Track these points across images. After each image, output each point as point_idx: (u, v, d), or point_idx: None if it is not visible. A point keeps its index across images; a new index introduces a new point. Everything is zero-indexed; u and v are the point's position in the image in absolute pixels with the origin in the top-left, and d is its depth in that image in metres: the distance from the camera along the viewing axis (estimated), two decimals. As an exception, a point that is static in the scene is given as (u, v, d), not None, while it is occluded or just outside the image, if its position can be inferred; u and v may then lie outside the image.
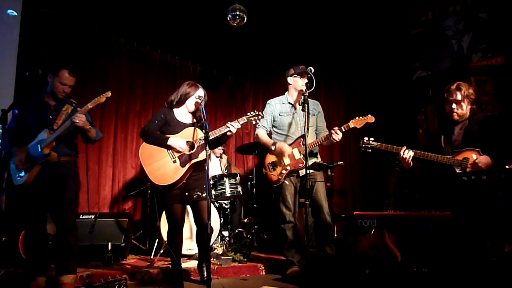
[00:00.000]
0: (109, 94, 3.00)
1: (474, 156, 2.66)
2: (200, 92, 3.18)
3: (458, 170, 2.69)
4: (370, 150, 3.00)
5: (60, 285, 2.83)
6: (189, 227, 4.02)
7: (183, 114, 3.21)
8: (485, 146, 2.65)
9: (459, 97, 2.77)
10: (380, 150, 3.01)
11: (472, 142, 2.70)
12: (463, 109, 2.80)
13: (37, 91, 3.07)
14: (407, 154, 2.83)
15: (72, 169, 3.03)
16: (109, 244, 3.72)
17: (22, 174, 2.84)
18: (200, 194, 3.06)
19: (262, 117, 3.10)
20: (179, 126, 3.13)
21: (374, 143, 2.99)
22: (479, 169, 2.59)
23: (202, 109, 3.02)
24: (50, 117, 2.96)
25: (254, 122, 3.14)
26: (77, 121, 2.83)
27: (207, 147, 2.83)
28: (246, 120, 3.10)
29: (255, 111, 3.14)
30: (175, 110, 3.20)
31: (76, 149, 3.10)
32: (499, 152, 2.59)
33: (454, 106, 2.81)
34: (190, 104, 3.16)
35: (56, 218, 2.94)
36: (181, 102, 3.18)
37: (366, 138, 3.01)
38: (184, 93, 3.17)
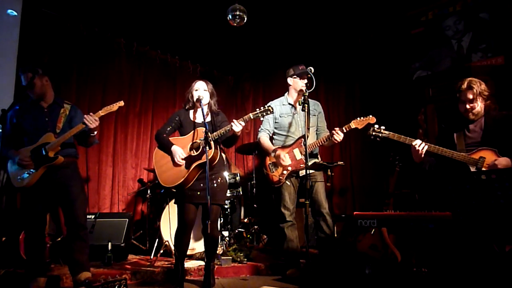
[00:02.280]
0: (122, 103, 3.04)
1: (492, 156, 2.59)
2: (198, 84, 3.19)
3: (473, 169, 2.62)
4: (379, 139, 2.88)
5: (79, 284, 2.82)
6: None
7: (196, 113, 3.25)
8: (502, 145, 2.58)
9: (471, 96, 2.69)
10: (385, 145, 2.94)
11: (490, 141, 2.64)
12: (477, 108, 2.71)
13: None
14: (421, 147, 2.72)
15: (75, 170, 3.06)
16: (109, 244, 3.72)
17: (24, 176, 2.83)
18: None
19: (272, 112, 2.96)
20: (190, 126, 3.17)
21: (386, 132, 2.85)
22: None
23: (202, 109, 3.05)
24: (46, 119, 2.97)
25: (262, 119, 3.09)
26: (91, 123, 2.84)
27: (207, 147, 2.84)
28: (252, 117, 2.95)
29: (265, 106, 2.96)
30: (190, 111, 3.26)
31: (76, 150, 3.12)
32: None
33: (468, 106, 2.73)
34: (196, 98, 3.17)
35: (67, 218, 2.94)
36: (189, 101, 3.22)
37: (376, 126, 2.89)
38: (189, 92, 3.22)
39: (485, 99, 2.71)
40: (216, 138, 2.99)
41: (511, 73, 3.77)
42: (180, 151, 3.05)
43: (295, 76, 3.54)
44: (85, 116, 2.85)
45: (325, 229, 3.41)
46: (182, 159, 3.03)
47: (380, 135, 2.87)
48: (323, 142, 3.39)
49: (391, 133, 2.86)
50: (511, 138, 2.58)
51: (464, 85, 2.72)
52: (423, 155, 2.75)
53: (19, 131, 2.94)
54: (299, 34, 5.34)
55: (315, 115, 3.62)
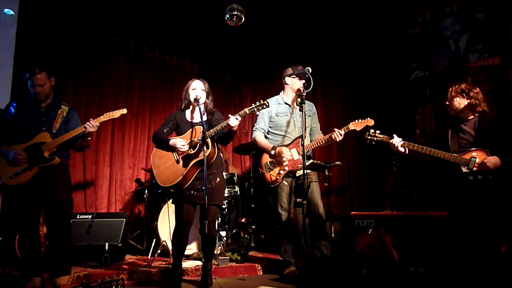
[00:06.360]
0: (124, 111, 3.10)
1: (483, 156, 2.65)
2: (196, 83, 3.17)
3: (464, 169, 2.69)
4: (375, 143, 3.00)
5: (57, 287, 2.84)
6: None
7: (193, 113, 3.23)
8: (494, 146, 2.65)
9: (448, 95, 2.94)
10: (382, 146, 3.02)
11: (482, 142, 2.71)
12: (455, 104, 2.88)
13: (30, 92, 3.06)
14: (395, 141, 2.90)
15: (66, 172, 3.06)
16: (106, 244, 3.71)
17: (17, 174, 2.81)
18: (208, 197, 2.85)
19: (267, 106, 2.94)
20: (187, 126, 3.16)
21: (380, 136, 2.98)
22: (487, 169, 2.58)
23: (200, 108, 3.03)
24: (43, 118, 2.97)
25: (258, 113, 3.08)
26: (91, 127, 2.88)
27: (205, 147, 2.84)
28: (247, 112, 2.94)
29: (261, 101, 2.95)
30: (186, 111, 3.25)
31: (68, 152, 3.12)
32: (508, 152, 2.58)
33: (446, 103, 2.96)
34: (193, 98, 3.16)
35: (51, 221, 2.95)
36: (185, 100, 3.20)
37: (372, 131, 3.01)
38: (185, 91, 3.20)
39: (466, 96, 2.85)
40: (213, 135, 2.98)
41: (508, 74, 3.79)
42: (179, 140, 3.05)
43: (293, 76, 3.54)
44: (87, 122, 2.89)
45: (323, 247, 3.40)
46: (182, 152, 3.02)
47: (375, 138, 2.99)
48: (322, 143, 3.39)
49: (385, 136, 2.98)
50: (502, 139, 2.64)
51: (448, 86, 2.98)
52: (400, 149, 2.90)
53: (14, 127, 2.93)
54: (297, 34, 5.34)
55: (310, 115, 3.63)
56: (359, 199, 4.89)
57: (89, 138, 3.02)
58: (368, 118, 3.27)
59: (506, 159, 2.58)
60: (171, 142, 3.08)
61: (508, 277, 2.18)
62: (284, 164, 3.40)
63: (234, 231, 4.79)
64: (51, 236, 2.97)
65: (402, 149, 2.89)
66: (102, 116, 2.99)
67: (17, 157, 2.81)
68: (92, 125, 2.90)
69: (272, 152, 3.43)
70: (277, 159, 3.43)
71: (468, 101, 2.84)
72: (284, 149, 3.39)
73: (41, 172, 2.86)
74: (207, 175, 2.87)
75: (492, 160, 2.60)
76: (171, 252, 3.59)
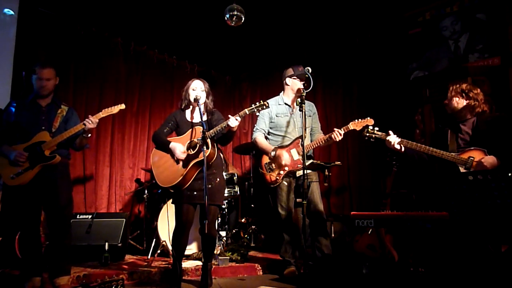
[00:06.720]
0: (123, 106, 3.09)
1: (480, 156, 2.65)
2: (196, 83, 3.17)
3: (462, 169, 2.69)
4: (373, 140, 2.99)
5: (57, 287, 2.84)
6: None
7: (193, 113, 3.22)
8: (492, 146, 2.66)
9: (448, 94, 2.95)
10: (382, 146, 3.02)
11: (480, 141, 2.71)
12: (453, 104, 2.89)
13: (31, 92, 3.06)
14: (391, 138, 2.90)
15: (66, 171, 3.07)
16: (106, 244, 3.71)
17: (18, 174, 2.81)
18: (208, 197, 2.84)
19: (267, 106, 2.95)
20: (187, 126, 3.16)
21: (379, 133, 2.97)
22: (484, 169, 2.58)
23: (200, 108, 3.03)
24: (43, 118, 2.98)
25: (258, 114, 3.08)
26: (90, 124, 2.89)
27: (204, 147, 2.83)
28: (247, 113, 2.95)
29: (261, 101, 2.95)
30: (186, 111, 3.25)
31: (69, 151, 3.12)
32: (506, 152, 2.59)
33: (445, 101, 2.97)
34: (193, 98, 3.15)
35: (51, 222, 2.94)
36: (185, 100, 3.19)
37: (371, 127, 3.00)
38: (185, 91, 3.20)
39: (466, 96, 2.85)
40: (213, 136, 2.97)
41: (508, 74, 3.79)
42: (179, 146, 3.05)
43: (294, 77, 3.54)
44: (87, 119, 2.89)
45: (323, 247, 3.40)
46: (182, 153, 3.02)
47: (373, 135, 2.98)
48: (322, 143, 3.39)
49: (383, 133, 2.97)
50: (501, 139, 2.65)
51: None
52: (402, 150, 2.90)
53: (14, 127, 2.93)
54: (297, 34, 5.34)
55: (310, 116, 3.63)
56: (359, 199, 4.89)
57: (89, 136, 3.02)
58: (368, 118, 3.28)
59: (503, 159, 2.58)
60: (172, 145, 3.07)
61: (508, 277, 2.18)
62: (284, 166, 3.40)
63: (234, 231, 4.78)
64: (51, 236, 2.97)
65: (398, 146, 2.89)
66: (100, 113, 2.99)
67: (19, 157, 2.81)
68: (91, 121, 2.90)
69: (272, 154, 3.43)
70: (276, 161, 3.43)
71: (467, 101, 2.84)
72: (283, 153, 3.38)
73: (42, 171, 2.86)
74: (207, 175, 2.86)
75: (489, 160, 2.61)
76: (171, 252, 3.59)
